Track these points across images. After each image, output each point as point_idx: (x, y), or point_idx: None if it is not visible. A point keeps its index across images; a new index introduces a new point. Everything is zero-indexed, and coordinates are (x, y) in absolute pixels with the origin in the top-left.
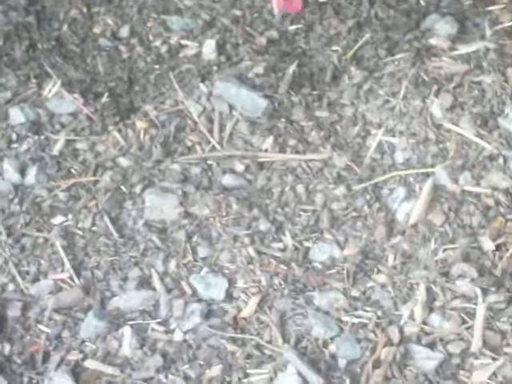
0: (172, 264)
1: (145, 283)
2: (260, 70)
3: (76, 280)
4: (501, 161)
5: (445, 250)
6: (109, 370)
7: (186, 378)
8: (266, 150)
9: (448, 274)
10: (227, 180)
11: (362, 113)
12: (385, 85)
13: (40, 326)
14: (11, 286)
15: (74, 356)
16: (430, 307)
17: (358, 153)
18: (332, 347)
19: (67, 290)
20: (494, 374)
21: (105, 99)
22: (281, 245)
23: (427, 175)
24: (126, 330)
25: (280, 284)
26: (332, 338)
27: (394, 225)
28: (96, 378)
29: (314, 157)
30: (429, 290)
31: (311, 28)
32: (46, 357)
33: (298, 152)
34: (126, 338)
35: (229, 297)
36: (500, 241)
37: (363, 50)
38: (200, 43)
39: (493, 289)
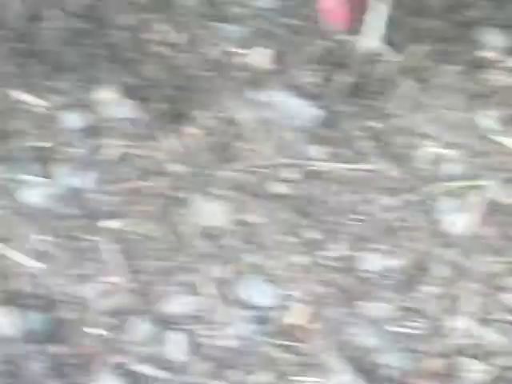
0: (225, 270)
1: (195, 289)
2: (312, 78)
3: (128, 284)
4: None
5: (496, 264)
6: (160, 374)
7: None
8: (318, 159)
9: (500, 287)
10: (278, 188)
11: (412, 124)
12: (436, 96)
13: (92, 329)
14: (64, 289)
15: (124, 359)
16: (481, 320)
17: (409, 164)
18: (381, 357)
19: (119, 294)
20: None
21: (160, 105)
22: (332, 254)
23: (479, 188)
24: (176, 335)
25: (332, 293)
26: (379, 348)
27: (442, 236)
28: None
29: (365, 167)
30: (480, 302)
31: None
32: (98, 359)
33: (349, 162)
34: (175, 343)
35: (279, 304)
36: None
37: (416, 62)
38: (251, 51)
39: None
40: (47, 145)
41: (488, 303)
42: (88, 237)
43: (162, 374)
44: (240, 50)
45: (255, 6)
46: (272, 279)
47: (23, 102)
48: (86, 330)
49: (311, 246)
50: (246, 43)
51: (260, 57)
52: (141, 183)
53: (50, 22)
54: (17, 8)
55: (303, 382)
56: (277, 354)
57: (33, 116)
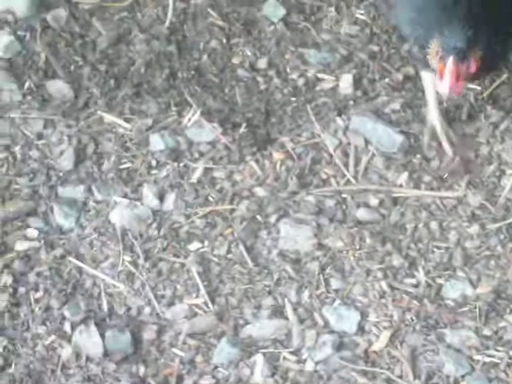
0: (305, 294)
1: (278, 312)
2: (396, 105)
3: (210, 306)
4: None
5: None
6: None
7: None
8: (401, 186)
9: None
10: (361, 214)
11: (497, 152)
12: None
13: (174, 350)
14: (147, 309)
15: (206, 381)
16: None
17: (493, 192)
18: None
19: (202, 316)
20: None
21: (242, 129)
22: (413, 280)
23: None
24: (258, 358)
25: (412, 319)
26: (463, 376)
27: None
28: None
29: (449, 194)
30: None
31: None
32: (179, 380)
33: (432, 189)
34: (257, 366)
35: (360, 330)
36: None
37: (500, 89)
38: (337, 77)
39: None
40: (135, 167)
41: None
42: (172, 258)
43: None
44: (325, 76)
45: (341, 32)
46: (353, 304)
47: (112, 125)
48: (168, 350)
49: (393, 273)
50: (330, 69)
51: (344, 83)
52: (224, 206)
53: (138, 44)
54: (105, 31)
55: None
56: (357, 379)
57: (121, 138)
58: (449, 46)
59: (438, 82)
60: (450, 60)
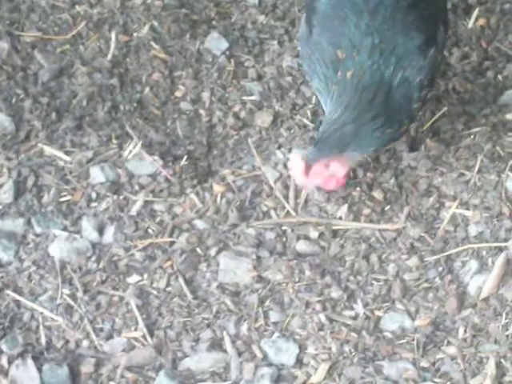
0: (244, 327)
1: (216, 345)
2: None
3: (149, 339)
4: None
5: None
6: None
7: None
8: (340, 218)
9: None
10: (301, 246)
11: (437, 185)
12: (460, 158)
13: (112, 383)
14: (85, 343)
15: None
16: (499, 382)
17: (432, 224)
18: None
19: (140, 349)
20: None
21: (183, 162)
22: (352, 313)
23: (500, 249)
24: None
25: (350, 352)
26: None
27: (465, 297)
28: None
29: (388, 226)
30: (498, 364)
31: None
32: None
33: (371, 221)
34: None
35: (299, 362)
36: None
37: (440, 122)
38: (277, 110)
39: None
40: (75, 200)
41: (507, 366)
42: (111, 291)
43: None
44: (266, 109)
45: (283, 66)
46: (292, 337)
47: (52, 157)
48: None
49: (332, 305)
50: (272, 102)
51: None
52: (164, 239)
53: (79, 77)
54: (47, 64)
55: None
56: None
57: (61, 171)
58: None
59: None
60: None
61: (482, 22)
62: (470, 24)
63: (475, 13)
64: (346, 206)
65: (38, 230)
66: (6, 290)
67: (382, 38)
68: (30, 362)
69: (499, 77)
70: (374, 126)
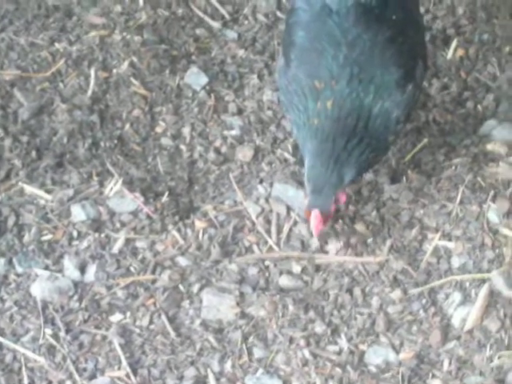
0: (228, 364)
1: (200, 383)
2: None
3: (132, 378)
4: None
5: (500, 357)
6: None
7: None
8: (323, 252)
9: (503, 381)
10: (284, 281)
11: (418, 217)
12: (442, 189)
13: None
14: (68, 383)
15: None
16: None
17: (415, 256)
18: None
19: None
20: None
21: (165, 198)
22: (336, 347)
23: (483, 281)
24: None
25: None
26: None
27: (449, 330)
28: None
29: (371, 259)
30: None
31: None
32: None
33: (355, 254)
34: None
35: None
36: None
37: (421, 153)
38: (258, 144)
39: None
40: (56, 238)
41: None
42: (94, 330)
43: None
44: (247, 143)
45: (263, 99)
46: (276, 373)
47: (33, 196)
48: None
49: (316, 340)
50: (253, 136)
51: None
52: (146, 276)
53: (59, 115)
54: (27, 102)
55: None
56: None
57: (42, 209)
58: (313, 207)
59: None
60: (314, 213)
61: (461, 52)
62: (449, 55)
63: (454, 43)
64: (329, 239)
65: (20, 269)
66: None
67: (361, 68)
68: None
69: (479, 107)
70: (361, 149)
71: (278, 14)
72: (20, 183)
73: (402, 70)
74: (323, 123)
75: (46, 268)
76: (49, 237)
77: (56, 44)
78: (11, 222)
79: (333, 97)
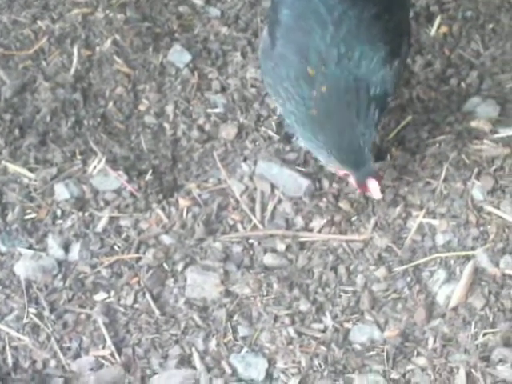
0: (212, 343)
1: (185, 362)
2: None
3: (117, 357)
4: None
5: (485, 334)
6: None
7: None
8: (308, 230)
9: (488, 358)
10: (268, 259)
11: (403, 194)
12: (426, 167)
13: None
14: (53, 362)
15: None
16: None
17: (399, 234)
18: None
19: (108, 367)
20: None
21: (148, 177)
22: (321, 325)
23: (468, 258)
24: None
25: (320, 365)
26: None
27: (434, 307)
28: None
29: (355, 237)
30: (469, 374)
31: None
32: None
33: (339, 232)
34: None
35: (268, 377)
36: None
37: (405, 131)
38: (242, 122)
39: None
40: (39, 217)
41: (477, 375)
42: (78, 309)
43: None
44: (231, 121)
45: (246, 77)
46: (261, 351)
47: (16, 174)
48: None
49: (300, 318)
50: (236, 114)
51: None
52: (130, 255)
53: (42, 93)
54: (9, 80)
55: None
56: None
57: (25, 188)
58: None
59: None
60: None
61: (444, 29)
62: (433, 32)
63: (437, 20)
64: (313, 217)
65: (3, 248)
66: None
67: (348, 46)
68: None
69: (462, 84)
70: (372, 111)
71: None
72: (3, 162)
73: (388, 46)
74: (327, 108)
75: (30, 247)
76: (32, 216)
77: (38, 22)
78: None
79: (326, 81)
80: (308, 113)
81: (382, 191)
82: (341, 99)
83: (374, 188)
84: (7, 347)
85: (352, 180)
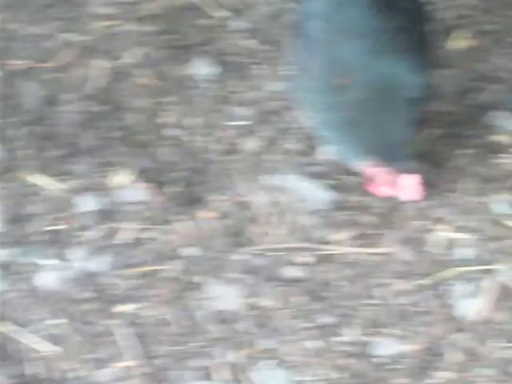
0: (235, 355)
1: (207, 374)
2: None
3: (141, 369)
4: None
5: (509, 349)
6: None
7: None
8: (332, 243)
9: None
10: (290, 272)
11: (424, 207)
12: (446, 180)
13: None
14: (76, 373)
15: None
16: None
17: (420, 247)
18: None
19: (135, 378)
20: None
21: (174, 189)
22: (344, 339)
23: (489, 272)
24: None
25: (343, 379)
26: None
27: (456, 321)
28: None
29: (377, 250)
30: None
31: None
32: None
33: (362, 245)
34: None
35: None
36: None
37: (424, 144)
38: (263, 135)
39: None
40: (63, 228)
41: None
42: (103, 321)
43: None
44: (252, 134)
45: (267, 89)
46: (285, 364)
47: (39, 186)
48: None
49: (324, 331)
50: (256, 127)
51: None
52: (155, 267)
53: (66, 105)
54: (34, 91)
55: None
56: None
57: (48, 199)
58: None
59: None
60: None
61: (466, 42)
62: (453, 45)
63: (458, 34)
64: (335, 230)
65: (25, 259)
66: None
67: (376, 57)
68: None
69: (482, 97)
70: (402, 111)
71: (288, 4)
72: (28, 173)
73: (414, 56)
74: (361, 112)
75: (53, 258)
76: (56, 227)
77: (63, 34)
78: (18, 212)
79: (357, 88)
80: (340, 119)
81: (421, 193)
82: (374, 103)
83: (411, 186)
84: (29, 358)
85: (386, 182)
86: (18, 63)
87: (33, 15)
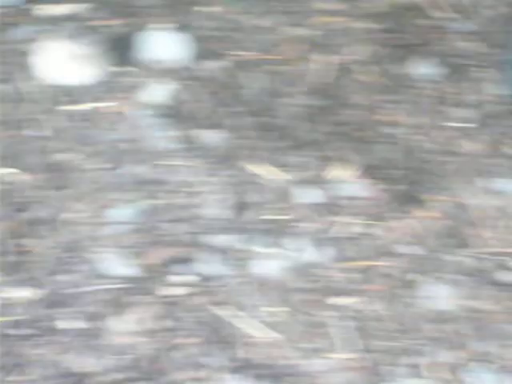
0: (446, 355)
1: (417, 372)
2: None
3: (359, 362)
4: None
5: None
6: None
7: None
8: None
9: None
10: (508, 276)
11: None
12: None
13: None
14: (294, 361)
15: None
16: None
17: None
18: None
19: (350, 371)
20: None
21: (394, 187)
22: None
23: None
24: None
25: None
26: None
27: None
28: None
29: None
30: None
31: None
32: None
33: None
34: None
35: None
36: None
37: None
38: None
39: None
40: (282, 218)
41: None
42: (319, 312)
43: None
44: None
45: (489, 93)
46: (499, 368)
47: (258, 175)
48: None
49: None
50: (472, 131)
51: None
52: (372, 262)
53: (290, 98)
54: (258, 83)
55: None
56: None
57: (267, 189)
58: None
59: None
60: None
61: None
62: None
63: None
64: None
65: (244, 246)
66: (209, 305)
67: None
68: (240, 377)
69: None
70: None
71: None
72: (247, 162)
73: None
74: None
75: (273, 247)
76: (277, 217)
77: (288, 27)
78: (237, 199)
79: None
80: None
81: None
82: None
83: None
84: (246, 343)
85: None
86: (243, 54)
87: (255, 8)
